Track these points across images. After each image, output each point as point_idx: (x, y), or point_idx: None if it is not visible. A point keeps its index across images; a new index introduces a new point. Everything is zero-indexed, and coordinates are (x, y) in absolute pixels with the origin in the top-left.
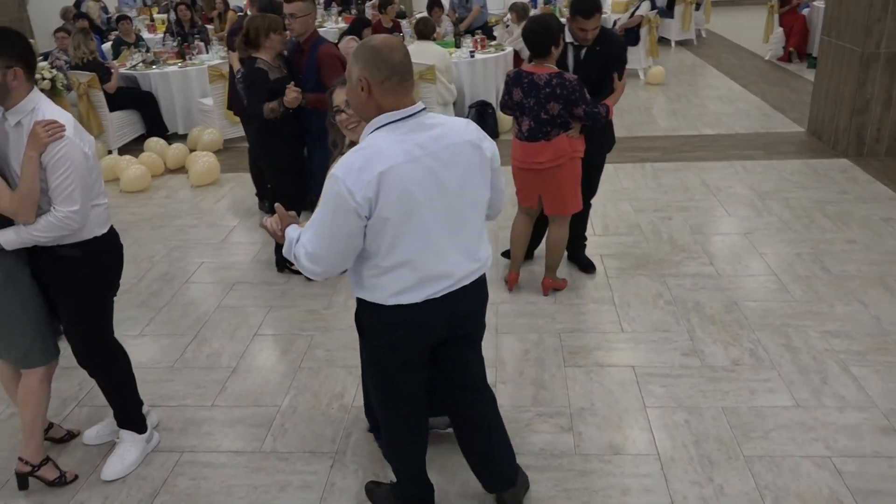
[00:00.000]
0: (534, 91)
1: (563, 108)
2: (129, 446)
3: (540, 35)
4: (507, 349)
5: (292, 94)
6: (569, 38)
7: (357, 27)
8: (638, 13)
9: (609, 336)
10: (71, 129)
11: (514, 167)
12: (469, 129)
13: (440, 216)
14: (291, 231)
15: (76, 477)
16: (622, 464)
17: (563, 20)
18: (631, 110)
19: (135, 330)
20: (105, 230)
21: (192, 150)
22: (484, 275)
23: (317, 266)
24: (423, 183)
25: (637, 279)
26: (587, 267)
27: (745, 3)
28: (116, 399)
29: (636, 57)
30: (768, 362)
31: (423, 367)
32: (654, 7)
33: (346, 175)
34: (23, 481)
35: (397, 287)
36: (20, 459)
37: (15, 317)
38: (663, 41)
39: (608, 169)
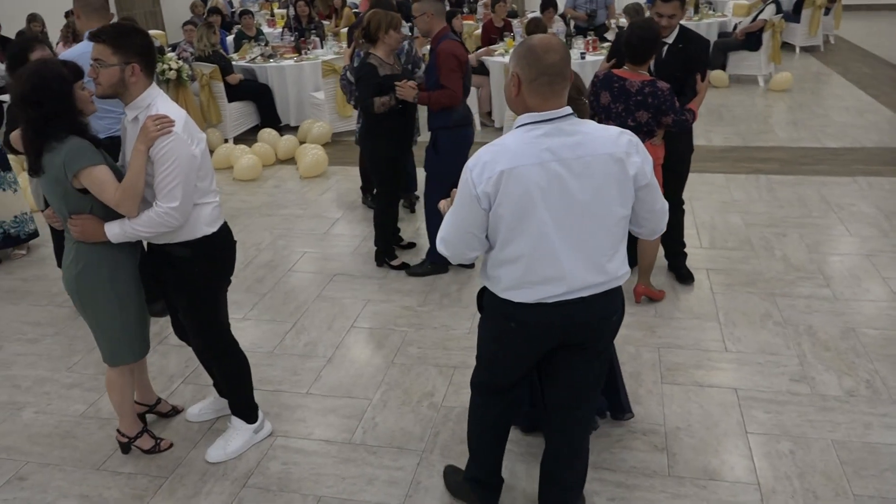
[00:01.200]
0: (623, 97)
1: (651, 117)
2: (236, 434)
3: (647, 42)
4: None
5: (406, 89)
6: None
7: (447, 18)
8: (761, 17)
9: (711, 355)
10: (180, 127)
11: None
12: (618, 141)
13: (562, 223)
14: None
15: (171, 445)
16: (718, 490)
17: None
18: (747, 118)
19: (239, 314)
20: (214, 229)
21: (301, 142)
22: (617, 289)
23: (445, 249)
24: (545, 187)
25: (745, 297)
26: (685, 277)
27: (881, 8)
28: (229, 388)
29: (756, 63)
30: (887, 396)
31: (525, 367)
32: (779, 11)
33: (473, 166)
34: (125, 448)
35: (508, 282)
36: (118, 431)
37: (112, 316)
38: (787, 47)
39: (718, 179)
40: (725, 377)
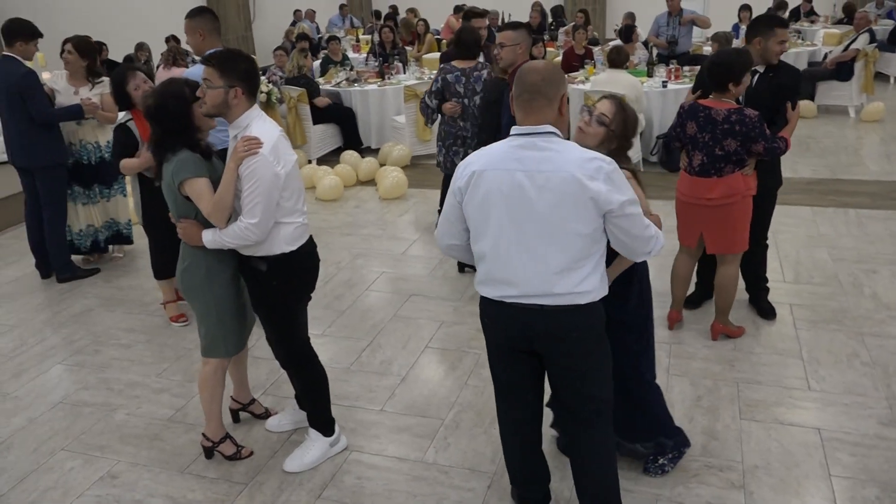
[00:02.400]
0: (710, 126)
1: (740, 145)
2: (312, 445)
3: (719, 68)
4: (677, 393)
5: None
6: None
7: None
8: (854, 46)
9: (793, 392)
10: (268, 148)
11: (679, 201)
12: (585, 165)
13: (519, 229)
14: None
15: (251, 453)
16: None
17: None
18: (836, 150)
19: (318, 330)
20: (293, 247)
21: (382, 165)
22: (579, 307)
23: (438, 239)
24: (507, 193)
25: (831, 335)
26: (767, 312)
27: None
28: (307, 400)
29: (847, 93)
30: None
31: (513, 367)
32: (872, 40)
33: (462, 163)
34: (208, 453)
35: (479, 276)
36: (203, 435)
37: (207, 309)
38: (880, 77)
39: (804, 212)
40: (808, 416)
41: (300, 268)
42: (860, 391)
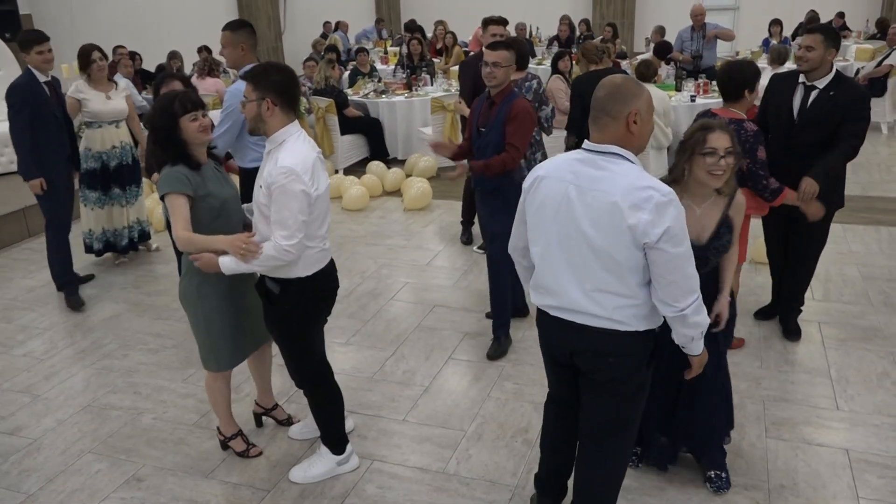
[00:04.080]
0: None
1: None
2: (319, 461)
3: (737, 76)
4: None
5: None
6: (801, 78)
7: (555, 60)
8: (888, 62)
9: (821, 412)
10: (305, 168)
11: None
12: (631, 194)
13: (564, 241)
14: None
15: (260, 453)
16: None
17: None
18: (868, 167)
19: (342, 339)
20: (309, 273)
21: (408, 176)
22: (618, 333)
23: (510, 243)
24: (559, 202)
25: (860, 353)
26: (792, 333)
27: None
28: (318, 418)
29: (880, 109)
30: None
31: (557, 376)
32: None
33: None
34: (223, 445)
35: (532, 282)
36: (217, 429)
37: (197, 322)
38: None
39: (834, 229)
40: (836, 436)
41: (314, 293)
42: (890, 412)
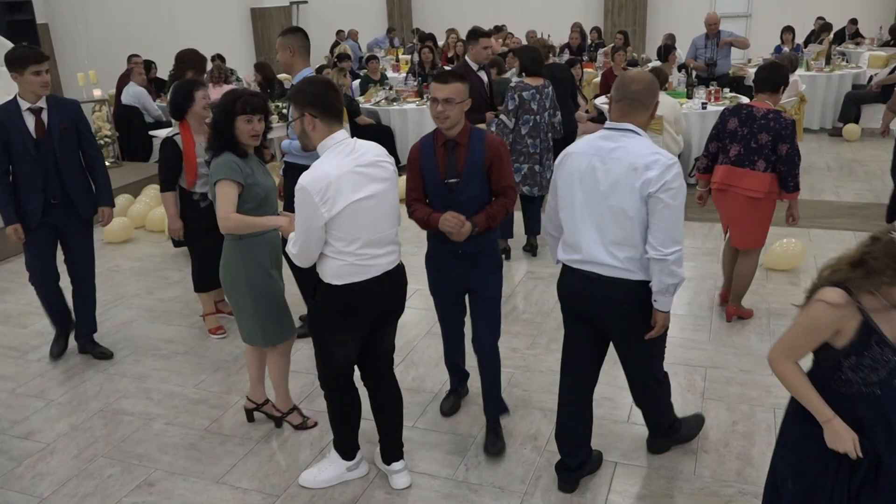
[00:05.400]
0: (749, 121)
1: (771, 140)
2: (330, 465)
3: (777, 72)
4: (713, 417)
5: (450, 222)
6: None
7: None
8: None
9: None
10: (318, 188)
11: (714, 191)
12: (645, 158)
13: (588, 203)
14: None
15: (315, 423)
16: None
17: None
18: (881, 174)
19: None
20: (338, 283)
21: None
22: (629, 283)
23: (545, 215)
24: (583, 172)
25: None
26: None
27: None
28: (331, 422)
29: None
30: None
31: (576, 332)
32: None
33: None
34: (249, 415)
35: (561, 242)
36: (247, 398)
37: (247, 310)
38: None
39: (846, 237)
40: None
41: (343, 304)
42: None
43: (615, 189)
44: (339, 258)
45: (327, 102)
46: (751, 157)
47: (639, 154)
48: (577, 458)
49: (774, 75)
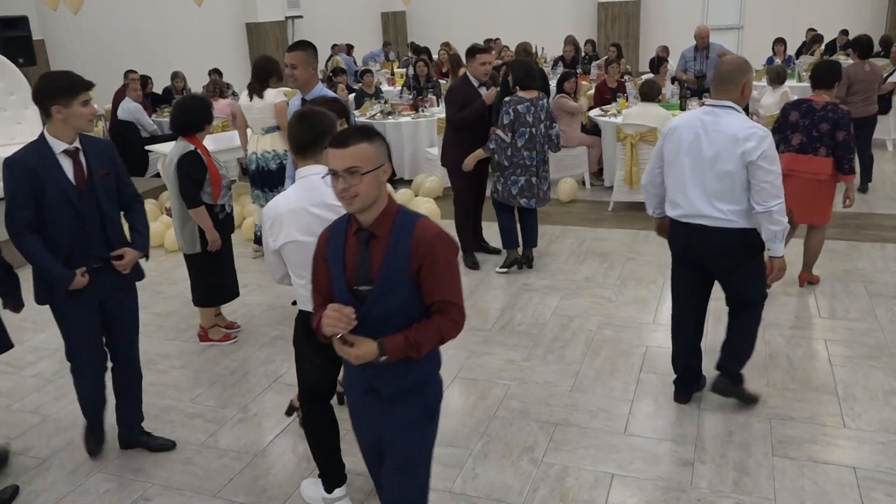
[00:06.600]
0: (810, 113)
1: (829, 129)
2: (314, 485)
3: (833, 69)
4: (709, 427)
5: (331, 319)
6: None
7: (560, 81)
8: (891, 80)
9: (828, 430)
10: (268, 223)
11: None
12: (744, 131)
13: (692, 166)
14: None
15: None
16: None
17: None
18: (873, 184)
19: None
20: (301, 307)
21: (415, 195)
22: (730, 231)
23: (644, 178)
24: (689, 141)
25: (867, 371)
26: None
27: None
28: (309, 445)
29: (885, 126)
30: None
31: (685, 275)
32: None
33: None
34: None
35: (667, 200)
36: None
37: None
38: None
39: (840, 246)
40: (843, 455)
41: (304, 326)
42: None
43: (719, 155)
44: (298, 284)
45: (295, 133)
46: (813, 144)
47: (739, 127)
48: (692, 374)
49: (830, 73)
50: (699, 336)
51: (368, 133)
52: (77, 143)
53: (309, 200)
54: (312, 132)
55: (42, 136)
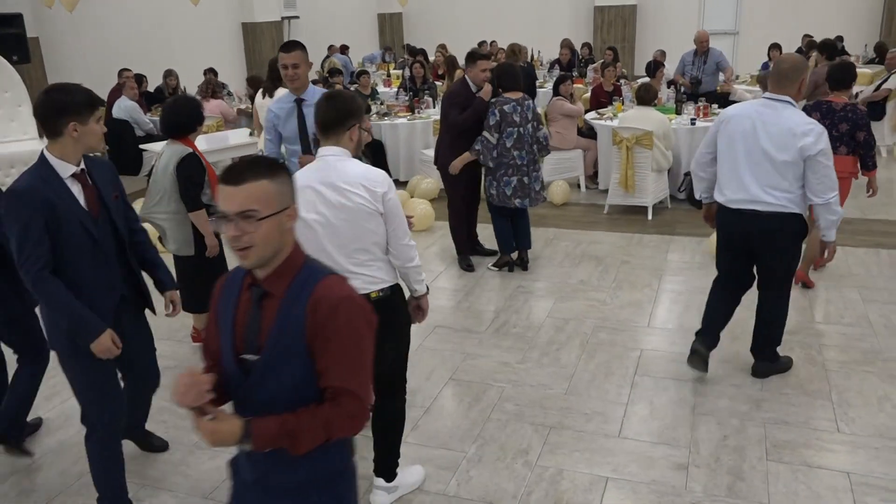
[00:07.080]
0: (830, 114)
1: (849, 129)
2: (408, 473)
3: (849, 70)
4: (703, 431)
5: (181, 384)
6: None
7: (556, 84)
8: (886, 86)
9: (822, 435)
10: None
11: None
12: (802, 127)
13: (747, 156)
14: None
15: None
16: None
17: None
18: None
19: None
20: None
21: (410, 197)
22: (781, 215)
23: (692, 164)
24: (745, 131)
25: (861, 376)
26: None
27: None
28: None
29: (879, 133)
30: None
31: (731, 260)
32: None
33: (725, 110)
34: None
35: (718, 186)
36: None
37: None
38: None
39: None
40: (837, 459)
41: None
42: (891, 434)
43: (776, 146)
44: None
45: (327, 120)
46: (834, 143)
47: (797, 122)
48: (708, 344)
49: (846, 75)
50: (727, 320)
51: (272, 167)
52: (82, 164)
53: (318, 178)
54: (337, 112)
55: (43, 158)
